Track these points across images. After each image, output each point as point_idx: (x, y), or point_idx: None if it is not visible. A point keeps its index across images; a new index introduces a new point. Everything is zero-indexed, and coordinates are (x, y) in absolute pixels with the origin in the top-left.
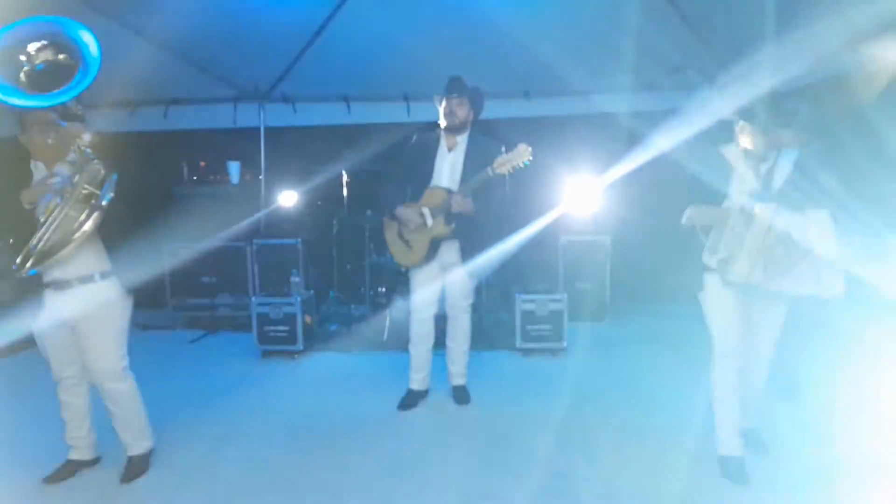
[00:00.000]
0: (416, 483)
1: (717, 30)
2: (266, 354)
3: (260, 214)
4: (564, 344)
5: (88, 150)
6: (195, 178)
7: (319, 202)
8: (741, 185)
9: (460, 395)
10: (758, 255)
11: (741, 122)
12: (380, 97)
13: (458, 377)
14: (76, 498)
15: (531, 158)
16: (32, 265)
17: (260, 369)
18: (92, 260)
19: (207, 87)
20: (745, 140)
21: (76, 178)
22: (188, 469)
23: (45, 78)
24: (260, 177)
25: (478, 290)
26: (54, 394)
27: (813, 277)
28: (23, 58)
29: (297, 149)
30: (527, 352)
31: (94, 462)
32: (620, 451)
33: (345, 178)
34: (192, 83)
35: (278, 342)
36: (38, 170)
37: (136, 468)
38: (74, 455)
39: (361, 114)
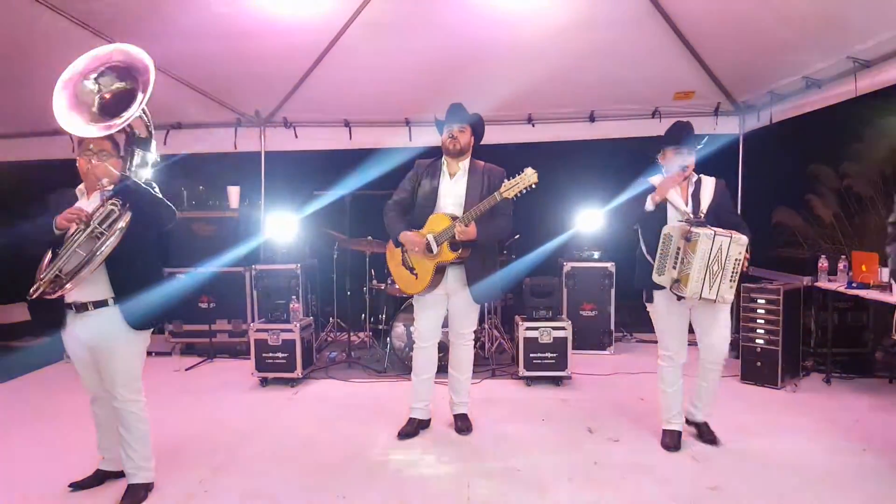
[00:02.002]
0: None
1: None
2: (264, 382)
3: (259, 240)
4: (569, 372)
5: (108, 191)
6: (194, 202)
7: (323, 227)
8: (675, 212)
9: (462, 424)
10: (704, 274)
11: (663, 149)
12: (381, 122)
13: (459, 406)
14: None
15: (537, 182)
16: (41, 292)
17: (258, 396)
18: (105, 286)
19: (208, 112)
20: (666, 162)
21: (95, 214)
22: (185, 498)
23: (113, 105)
24: (260, 202)
25: (480, 318)
26: None
27: (725, 287)
28: (94, 88)
29: (297, 173)
30: (530, 380)
31: (123, 474)
32: (628, 482)
33: (346, 203)
34: (192, 108)
35: (277, 369)
36: (82, 196)
37: (136, 496)
38: (103, 465)
39: (363, 138)
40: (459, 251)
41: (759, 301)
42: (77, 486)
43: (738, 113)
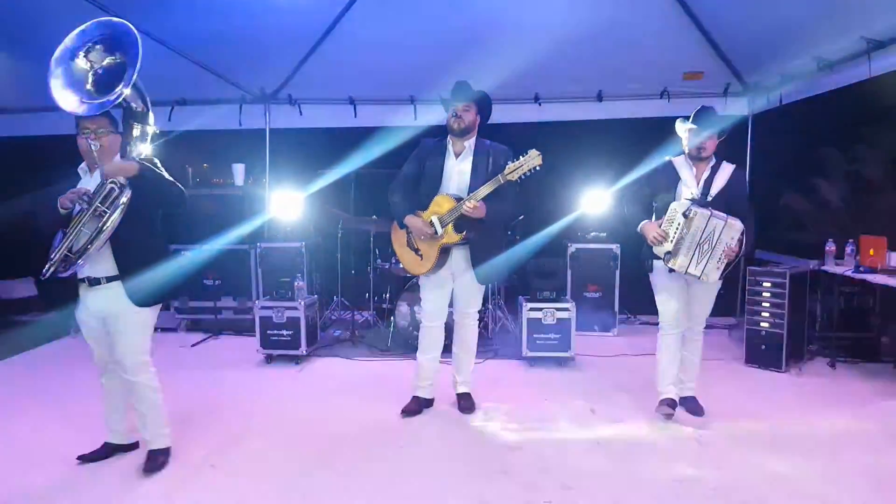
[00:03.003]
0: (420, 490)
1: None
2: (269, 359)
3: (264, 217)
4: (572, 353)
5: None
6: (199, 179)
7: (326, 206)
8: (685, 191)
9: (465, 404)
10: (692, 250)
11: (680, 121)
12: (386, 100)
13: (462, 385)
14: (98, 479)
15: (542, 164)
16: (53, 271)
17: (263, 374)
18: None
19: (213, 89)
20: (683, 136)
21: (95, 193)
22: (189, 474)
23: (106, 80)
24: (264, 179)
25: (485, 299)
26: None
27: (711, 266)
28: (86, 66)
29: (302, 151)
30: (533, 361)
31: (131, 447)
32: (630, 464)
33: (350, 181)
34: (197, 84)
35: (281, 346)
36: (85, 174)
37: (156, 461)
38: (110, 438)
39: (368, 116)
40: (464, 233)
41: (764, 284)
42: (85, 459)
43: (748, 94)
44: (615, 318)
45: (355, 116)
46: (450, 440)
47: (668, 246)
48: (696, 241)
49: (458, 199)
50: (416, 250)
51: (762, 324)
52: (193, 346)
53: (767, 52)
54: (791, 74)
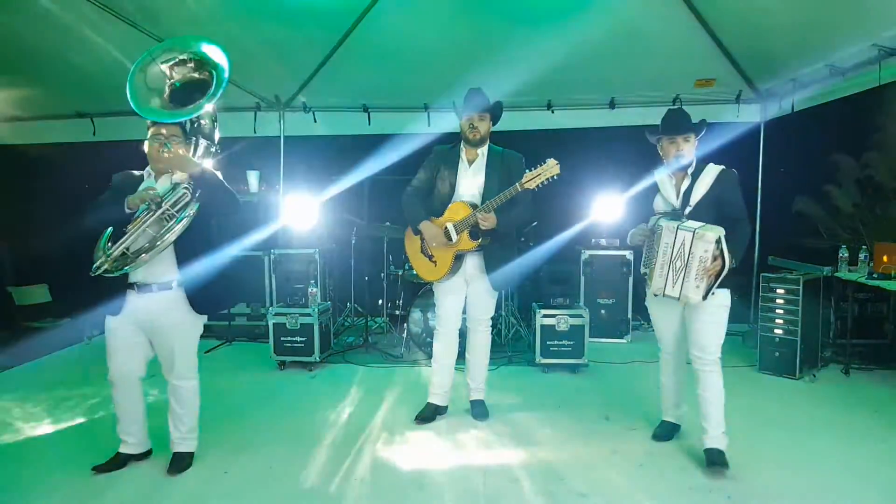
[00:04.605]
0: (433, 498)
1: (744, 44)
2: (282, 365)
3: (278, 224)
4: (585, 360)
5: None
6: None
7: (341, 213)
8: (663, 204)
9: (479, 410)
10: (666, 269)
11: (659, 140)
12: (400, 107)
13: (476, 392)
14: (120, 488)
15: (559, 173)
16: (104, 269)
17: (276, 380)
18: (171, 268)
19: (227, 96)
20: (663, 153)
21: (166, 197)
22: (202, 481)
23: (185, 93)
24: (278, 186)
25: (498, 305)
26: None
27: (689, 286)
28: (166, 74)
29: (316, 158)
30: (546, 367)
31: (145, 456)
32: (646, 471)
33: (364, 188)
34: None
35: (295, 353)
36: (149, 177)
37: (182, 463)
38: (124, 449)
39: (381, 123)
40: (479, 240)
41: (778, 291)
42: (100, 470)
43: (760, 101)
44: (628, 325)
45: (369, 124)
46: (463, 449)
47: (646, 267)
48: (668, 258)
49: (474, 207)
50: (430, 257)
51: (776, 330)
52: (207, 352)
53: (779, 60)
54: (803, 82)
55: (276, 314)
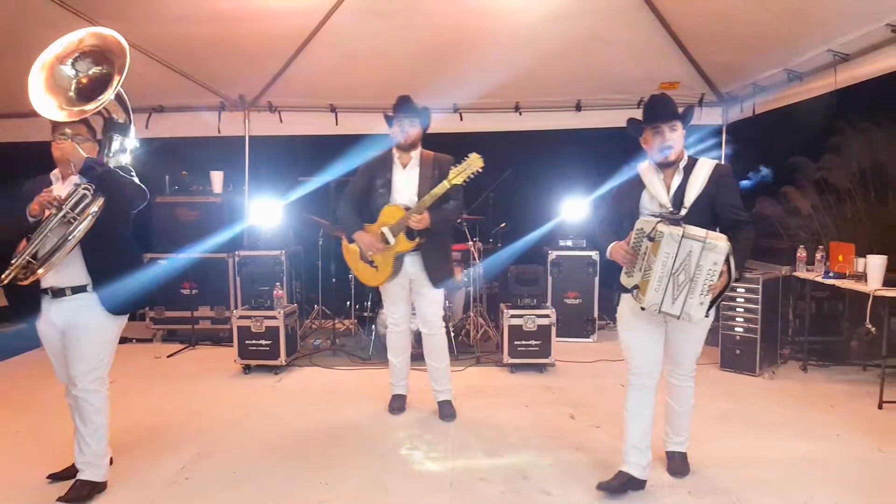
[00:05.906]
0: (398, 498)
1: (706, 49)
2: (247, 369)
3: (243, 225)
4: (552, 360)
5: (80, 176)
6: (177, 187)
7: (306, 214)
8: (651, 203)
9: (446, 411)
10: (665, 283)
11: (642, 131)
12: (367, 108)
13: (442, 393)
14: None
15: (483, 166)
16: (12, 277)
17: (241, 384)
18: (80, 270)
19: (191, 95)
20: (647, 146)
21: (66, 199)
22: (166, 485)
23: (90, 89)
24: (244, 187)
25: (466, 306)
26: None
27: (692, 302)
28: (71, 73)
29: (282, 159)
30: (514, 367)
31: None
32: (609, 468)
33: (331, 189)
34: (175, 91)
35: (260, 356)
36: (57, 181)
37: (81, 492)
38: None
39: (349, 124)
40: (417, 239)
41: (738, 290)
42: (56, 478)
43: (722, 104)
44: (594, 325)
45: (336, 124)
46: (430, 448)
47: (637, 277)
48: (668, 270)
49: (407, 209)
50: (371, 262)
51: (737, 329)
52: (169, 356)
53: (740, 64)
54: (763, 86)
55: (241, 317)
